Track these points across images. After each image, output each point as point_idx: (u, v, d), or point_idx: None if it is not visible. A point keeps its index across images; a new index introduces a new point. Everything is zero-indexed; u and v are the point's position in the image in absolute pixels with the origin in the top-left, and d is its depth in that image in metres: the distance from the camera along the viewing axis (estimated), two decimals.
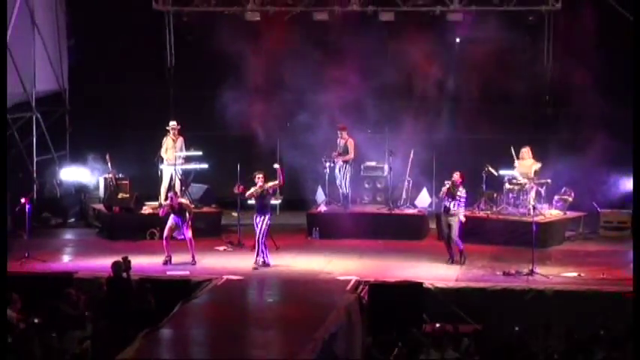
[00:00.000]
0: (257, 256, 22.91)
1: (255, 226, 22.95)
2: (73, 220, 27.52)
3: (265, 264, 22.89)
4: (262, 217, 22.92)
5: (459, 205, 23.45)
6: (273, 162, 26.02)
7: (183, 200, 23.75)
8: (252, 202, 25.22)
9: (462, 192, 23.51)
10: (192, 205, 24.16)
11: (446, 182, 23.62)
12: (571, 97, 27.14)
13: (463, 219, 23.35)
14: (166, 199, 24.95)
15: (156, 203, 26.32)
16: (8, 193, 25.23)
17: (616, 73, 26.01)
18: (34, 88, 27.78)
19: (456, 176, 23.56)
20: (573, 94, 26.99)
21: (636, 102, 20.00)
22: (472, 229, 24.34)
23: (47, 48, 28.30)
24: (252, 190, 23.06)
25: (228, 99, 27.46)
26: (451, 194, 23.44)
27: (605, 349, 16.73)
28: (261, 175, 23.07)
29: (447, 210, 23.57)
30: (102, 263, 21.04)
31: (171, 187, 25.87)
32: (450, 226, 23.49)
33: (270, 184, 23.21)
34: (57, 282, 20.92)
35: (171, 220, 23.23)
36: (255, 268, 22.76)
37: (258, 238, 22.90)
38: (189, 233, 23.18)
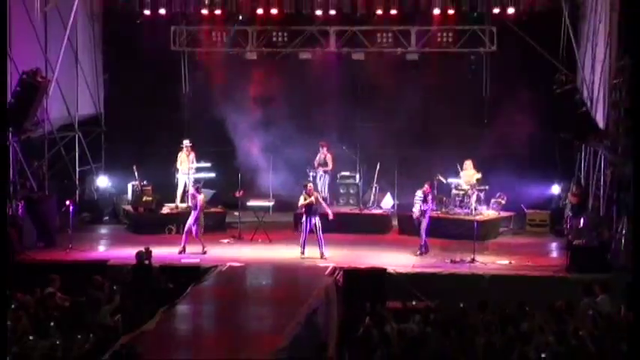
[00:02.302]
0: (320, 248, 22.79)
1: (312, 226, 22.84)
2: (106, 218, 27.37)
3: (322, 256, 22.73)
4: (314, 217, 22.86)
5: (428, 207, 23.43)
6: (268, 173, 26.10)
7: (201, 197, 23.62)
8: (251, 203, 25.33)
9: (430, 197, 23.46)
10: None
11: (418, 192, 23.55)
12: (504, 119, 27.06)
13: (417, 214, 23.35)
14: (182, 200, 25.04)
15: (173, 205, 26.26)
16: (56, 196, 25.19)
17: (539, 100, 25.95)
18: (76, 112, 27.65)
19: (426, 186, 23.49)
20: (505, 117, 26.93)
21: (635, 109, 19.92)
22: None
23: (87, 80, 28.18)
24: (307, 200, 22.95)
25: (232, 121, 27.44)
26: (425, 199, 23.36)
27: (529, 320, 16.71)
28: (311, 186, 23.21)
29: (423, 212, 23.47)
30: (129, 253, 20.89)
31: (185, 192, 25.83)
32: (420, 223, 23.43)
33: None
34: (94, 268, 20.87)
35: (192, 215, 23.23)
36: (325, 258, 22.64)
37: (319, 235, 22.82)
38: (195, 227, 23.10)
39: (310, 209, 22.89)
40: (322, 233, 22.87)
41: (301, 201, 23.05)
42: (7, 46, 20.07)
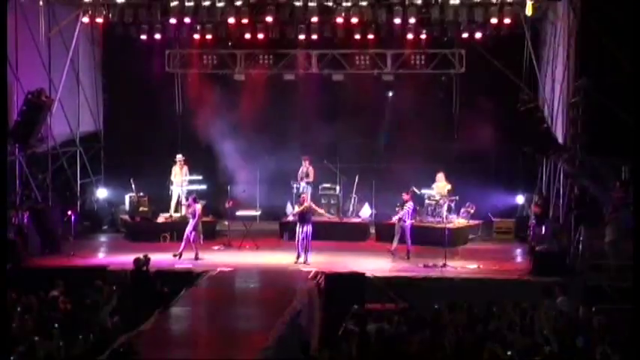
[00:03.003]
0: (306, 254, 22.79)
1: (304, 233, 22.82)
2: (106, 227, 27.34)
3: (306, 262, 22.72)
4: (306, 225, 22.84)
5: (408, 215, 23.52)
6: (255, 186, 26.10)
7: (198, 206, 23.61)
8: (240, 212, 25.33)
9: (409, 205, 23.55)
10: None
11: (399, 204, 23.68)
12: (472, 135, 27.18)
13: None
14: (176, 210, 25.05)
15: (167, 214, 26.26)
16: (59, 207, 25.15)
17: (504, 117, 26.09)
18: (78, 129, 27.65)
19: (405, 196, 23.61)
20: (473, 133, 27.06)
21: (636, 113, 20.04)
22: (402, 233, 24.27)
23: (88, 99, 28.21)
24: (299, 209, 23.02)
25: (221, 137, 27.45)
26: (403, 208, 23.47)
27: (496, 321, 16.80)
28: (305, 195, 23.24)
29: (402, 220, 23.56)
30: (127, 259, 20.84)
31: (179, 203, 25.86)
32: (404, 230, 23.49)
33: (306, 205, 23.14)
34: (94, 273, 20.85)
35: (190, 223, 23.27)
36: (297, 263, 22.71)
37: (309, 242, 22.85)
38: (192, 234, 23.11)
39: (303, 217, 22.90)
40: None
41: (295, 209, 23.10)
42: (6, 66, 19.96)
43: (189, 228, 23.13)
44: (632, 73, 18.34)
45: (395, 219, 23.61)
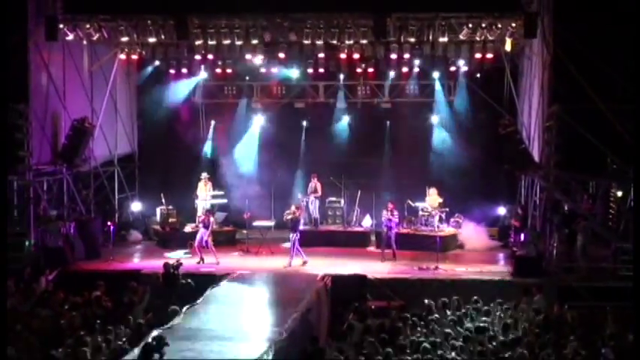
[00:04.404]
0: (291, 258, 22.81)
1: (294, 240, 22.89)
2: (140, 236, 27.33)
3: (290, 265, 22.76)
4: (294, 234, 22.88)
5: (396, 224, 23.64)
6: (270, 199, 26.15)
7: (212, 219, 23.78)
8: (257, 223, 25.39)
9: (395, 215, 23.65)
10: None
11: (384, 211, 23.75)
12: (460, 154, 27.26)
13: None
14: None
15: (194, 224, 26.21)
16: (100, 218, 25.25)
17: (487, 139, 26.08)
18: (116, 151, 27.72)
19: (390, 206, 23.71)
20: (461, 153, 27.18)
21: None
22: (400, 240, 24.23)
23: (124, 125, 28.31)
24: (290, 216, 23.05)
25: (240, 157, 27.56)
26: (389, 217, 23.56)
27: (481, 316, 16.85)
28: (294, 208, 23.18)
29: (388, 227, 23.64)
30: (158, 264, 20.91)
31: None
32: (389, 237, 23.59)
33: (297, 213, 23.17)
34: (130, 275, 20.93)
35: (200, 233, 23.29)
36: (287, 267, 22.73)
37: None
38: (209, 241, 23.18)
39: (292, 226, 22.95)
40: (307, 247, 23.15)
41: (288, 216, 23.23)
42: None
43: (203, 237, 23.16)
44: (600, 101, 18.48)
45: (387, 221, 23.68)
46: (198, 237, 23.33)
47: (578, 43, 20.45)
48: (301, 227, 25.33)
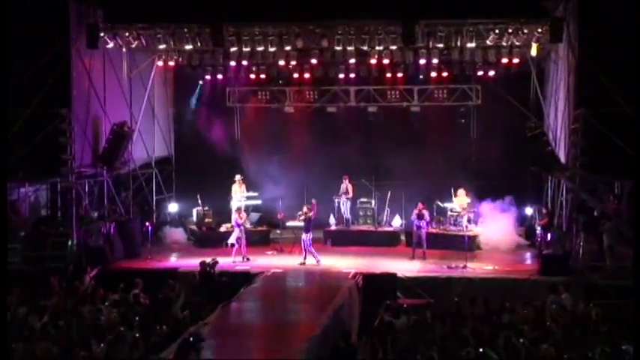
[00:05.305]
0: (305, 258, 22.92)
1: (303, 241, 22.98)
2: (182, 236, 27.34)
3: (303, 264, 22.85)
4: (306, 234, 22.92)
5: (426, 223, 23.63)
6: (303, 200, 26.15)
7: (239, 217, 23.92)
8: (290, 223, 25.42)
9: (426, 215, 23.64)
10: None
11: (415, 211, 23.72)
12: (487, 157, 27.18)
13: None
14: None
15: (229, 224, 26.27)
16: (139, 219, 25.41)
17: (514, 141, 25.93)
18: (153, 154, 27.93)
19: (420, 206, 23.69)
20: (488, 155, 27.08)
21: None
22: (429, 240, 24.18)
23: (161, 129, 28.53)
24: (302, 217, 23.14)
25: (273, 159, 27.64)
26: (419, 217, 23.52)
27: (509, 314, 16.76)
28: (305, 209, 23.27)
29: (418, 227, 23.60)
30: (195, 262, 21.05)
31: None
32: (419, 236, 23.57)
33: (310, 213, 23.19)
34: (168, 274, 21.09)
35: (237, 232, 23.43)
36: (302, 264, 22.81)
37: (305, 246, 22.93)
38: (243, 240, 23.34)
39: (307, 226, 22.99)
40: (338, 246, 23.40)
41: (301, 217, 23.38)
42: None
43: (242, 235, 23.32)
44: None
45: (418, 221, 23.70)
46: (241, 235, 23.42)
47: (603, 47, 20.31)
48: (332, 227, 25.51)
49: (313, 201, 24.08)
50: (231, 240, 23.57)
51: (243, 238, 23.45)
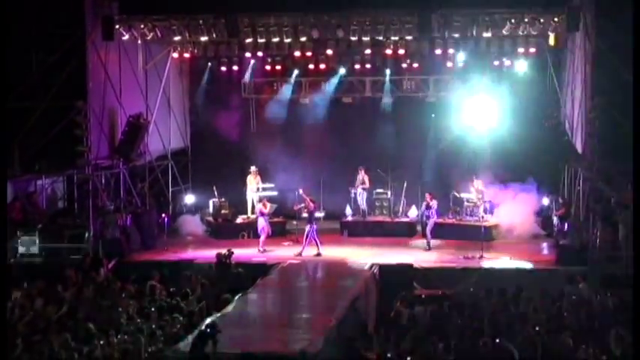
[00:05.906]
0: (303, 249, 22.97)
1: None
2: (201, 227, 27.28)
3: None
4: (309, 225, 22.98)
5: (433, 213, 23.62)
6: (319, 191, 26.19)
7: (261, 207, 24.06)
8: (305, 214, 25.40)
9: (434, 204, 23.62)
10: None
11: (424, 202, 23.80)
12: (504, 147, 26.99)
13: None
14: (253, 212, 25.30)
15: (245, 216, 26.41)
16: (155, 211, 25.48)
17: (531, 131, 25.55)
18: (169, 145, 28.00)
19: (428, 196, 23.80)
20: (505, 145, 26.88)
21: (636, 110, 19.76)
22: (446, 230, 24.27)
23: (177, 121, 28.59)
24: (305, 209, 23.20)
25: (289, 150, 27.61)
26: (427, 207, 23.52)
27: (525, 303, 16.72)
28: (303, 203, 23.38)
29: (427, 217, 23.66)
30: (211, 254, 21.09)
31: (254, 206, 25.90)
32: (427, 226, 23.67)
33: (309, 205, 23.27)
34: (184, 265, 21.17)
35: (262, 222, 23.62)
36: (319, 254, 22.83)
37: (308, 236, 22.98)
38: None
39: (309, 217, 23.07)
40: (355, 236, 23.56)
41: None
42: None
43: (266, 225, 23.60)
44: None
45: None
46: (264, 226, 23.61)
47: (619, 35, 20.17)
48: (349, 218, 25.51)
49: (300, 192, 24.06)
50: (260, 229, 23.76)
51: (269, 228, 23.52)
